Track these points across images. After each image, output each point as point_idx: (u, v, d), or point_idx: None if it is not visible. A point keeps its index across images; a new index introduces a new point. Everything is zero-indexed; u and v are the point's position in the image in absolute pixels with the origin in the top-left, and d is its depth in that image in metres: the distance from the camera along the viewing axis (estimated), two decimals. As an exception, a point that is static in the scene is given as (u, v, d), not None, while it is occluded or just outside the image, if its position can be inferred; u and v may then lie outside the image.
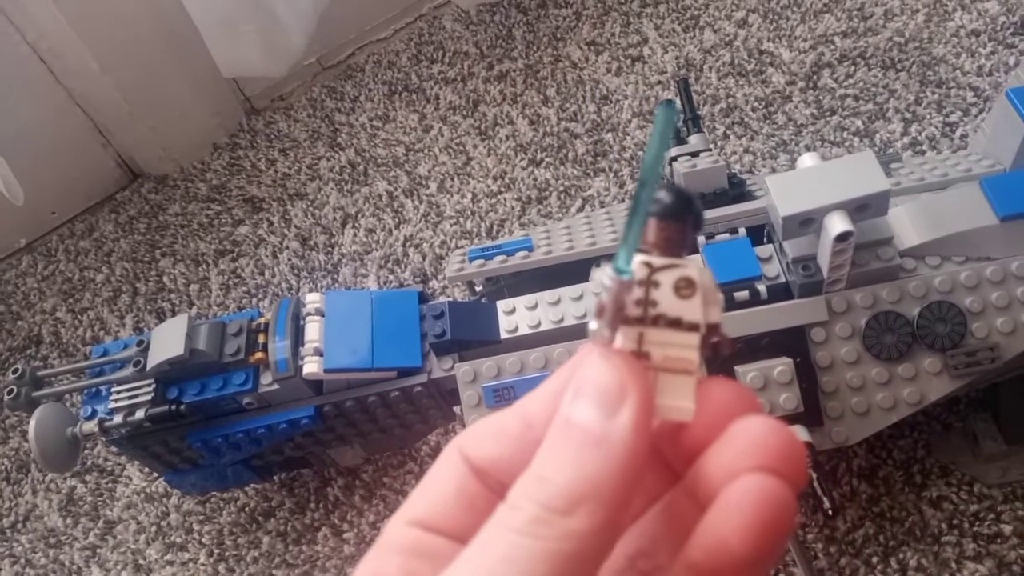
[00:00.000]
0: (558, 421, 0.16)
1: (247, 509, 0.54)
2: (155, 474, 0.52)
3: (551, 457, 0.15)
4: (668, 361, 0.18)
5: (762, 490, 0.15)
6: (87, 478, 0.58)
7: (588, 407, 0.16)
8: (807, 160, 0.42)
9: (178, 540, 0.53)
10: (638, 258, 0.18)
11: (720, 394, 0.17)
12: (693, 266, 0.18)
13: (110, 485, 0.57)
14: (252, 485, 0.53)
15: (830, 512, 0.37)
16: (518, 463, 0.16)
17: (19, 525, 0.57)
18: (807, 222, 0.39)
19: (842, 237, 0.37)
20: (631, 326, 0.19)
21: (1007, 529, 0.44)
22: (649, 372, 0.18)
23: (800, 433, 0.39)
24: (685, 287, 0.18)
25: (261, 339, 0.45)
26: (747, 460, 0.15)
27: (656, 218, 0.18)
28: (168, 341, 0.45)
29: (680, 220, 0.18)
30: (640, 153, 0.64)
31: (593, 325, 0.18)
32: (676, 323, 0.18)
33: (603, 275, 0.17)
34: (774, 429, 0.16)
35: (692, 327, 0.18)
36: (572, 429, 0.15)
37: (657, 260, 0.19)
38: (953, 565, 0.43)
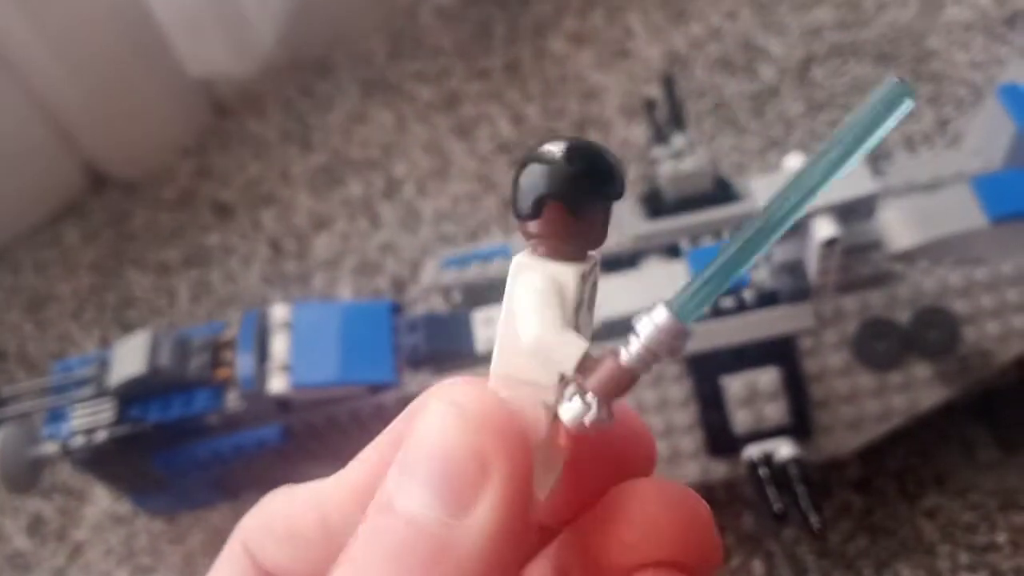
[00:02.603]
0: (373, 512, 0.11)
1: (217, 530, 0.52)
2: (122, 495, 0.51)
3: (360, 563, 0.10)
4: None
5: None
6: (54, 498, 0.56)
7: (422, 494, 0.10)
8: (792, 161, 0.41)
9: (147, 562, 0.52)
10: (572, 269, 0.14)
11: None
12: (515, 262, 0.14)
13: (77, 505, 0.55)
14: (222, 505, 0.51)
15: (817, 529, 0.36)
16: None
17: (-16, 547, 0.55)
18: (793, 227, 0.37)
19: (829, 242, 0.36)
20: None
21: (1002, 539, 0.43)
22: (540, 433, 0.13)
23: (789, 446, 0.38)
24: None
25: (227, 354, 0.43)
26: (639, 552, 0.11)
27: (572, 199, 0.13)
28: (129, 358, 0.43)
29: (596, 198, 0.14)
30: (626, 152, 0.62)
31: (590, 400, 0.13)
32: None
33: (654, 317, 0.13)
34: (669, 505, 0.12)
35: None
36: (392, 527, 0.10)
37: (585, 267, 0.14)
38: (947, 577, 0.42)
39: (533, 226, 0.14)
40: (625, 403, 0.14)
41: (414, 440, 0.11)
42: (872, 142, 0.13)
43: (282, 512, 0.13)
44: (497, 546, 0.10)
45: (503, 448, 0.11)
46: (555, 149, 0.14)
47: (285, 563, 0.13)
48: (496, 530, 0.10)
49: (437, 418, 0.11)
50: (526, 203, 0.14)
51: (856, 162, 0.13)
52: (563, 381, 0.13)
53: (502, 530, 0.10)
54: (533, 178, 0.14)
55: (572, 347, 0.13)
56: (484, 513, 0.10)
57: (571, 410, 0.13)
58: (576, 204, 0.14)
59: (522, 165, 0.14)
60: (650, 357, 0.13)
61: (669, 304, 0.13)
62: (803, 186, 0.11)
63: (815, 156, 0.12)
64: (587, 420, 0.13)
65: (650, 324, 0.13)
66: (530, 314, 0.13)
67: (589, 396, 0.13)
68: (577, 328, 0.14)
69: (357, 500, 0.12)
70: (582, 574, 0.12)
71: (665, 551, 0.12)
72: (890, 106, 0.12)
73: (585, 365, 0.13)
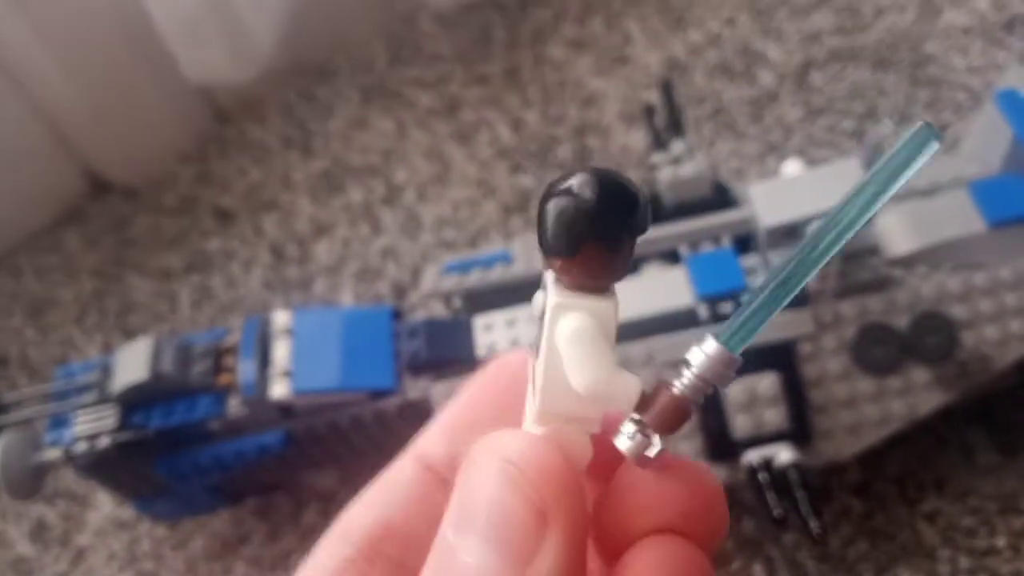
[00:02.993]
0: (437, 554, 0.11)
1: (220, 535, 0.52)
2: (125, 500, 0.51)
3: None
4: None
5: (662, 560, 0.12)
6: (57, 503, 0.56)
7: (484, 549, 0.10)
8: (790, 167, 0.41)
9: (150, 567, 0.52)
10: (609, 305, 0.14)
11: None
12: (555, 302, 0.14)
13: (80, 511, 0.55)
14: (224, 510, 0.52)
15: (817, 534, 0.36)
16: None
17: (-14, 553, 0.55)
18: (791, 232, 0.38)
19: (828, 249, 0.36)
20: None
21: (1001, 542, 0.43)
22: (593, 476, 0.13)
23: (788, 451, 0.38)
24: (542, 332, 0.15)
25: (228, 360, 0.43)
26: (645, 519, 0.12)
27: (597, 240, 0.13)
28: (132, 364, 0.43)
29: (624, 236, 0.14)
30: (625, 158, 0.62)
31: (650, 434, 0.13)
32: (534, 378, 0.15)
33: (705, 348, 0.13)
34: (677, 475, 0.12)
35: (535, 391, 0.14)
36: None
37: (616, 301, 0.15)
38: (947, 582, 0.42)
39: (567, 264, 0.14)
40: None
41: (469, 495, 0.11)
42: (902, 182, 0.13)
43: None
44: None
45: (559, 496, 0.11)
46: (586, 186, 0.14)
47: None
48: (558, 574, 0.10)
49: (490, 475, 0.11)
50: (562, 243, 0.14)
51: (887, 200, 0.13)
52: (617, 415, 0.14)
53: (566, 573, 0.10)
54: (568, 217, 0.13)
55: (630, 388, 0.13)
56: (548, 562, 0.10)
57: (633, 445, 0.13)
58: (616, 243, 0.14)
59: (550, 199, 0.14)
60: (703, 386, 0.13)
61: (718, 335, 0.13)
62: (839, 223, 0.12)
63: (849, 194, 0.12)
64: (651, 454, 0.13)
65: (702, 355, 0.13)
66: (583, 359, 0.13)
67: (649, 430, 0.13)
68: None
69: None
70: (592, 540, 0.12)
71: (670, 518, 0.12)
72: (918, 148, 0.13)
73: (642, 402, 0.14)
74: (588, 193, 0.13)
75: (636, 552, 0.12)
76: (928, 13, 0.64)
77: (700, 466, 0.13)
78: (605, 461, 0.14)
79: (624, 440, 0.13)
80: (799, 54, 0.64)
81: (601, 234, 0.13)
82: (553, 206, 0.14)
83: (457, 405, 0.16)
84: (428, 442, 0.16)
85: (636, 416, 0.14)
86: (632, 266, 0.44)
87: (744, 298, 0.14)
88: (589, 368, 0.13)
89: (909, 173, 0.12)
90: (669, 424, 0.13)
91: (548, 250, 0.14)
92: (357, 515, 0.15)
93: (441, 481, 0.15)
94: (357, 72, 0.73)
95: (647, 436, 0.13)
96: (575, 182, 0.14)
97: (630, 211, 0.14)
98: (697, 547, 0.12)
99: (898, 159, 0.12)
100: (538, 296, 0.15)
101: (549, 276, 0.15)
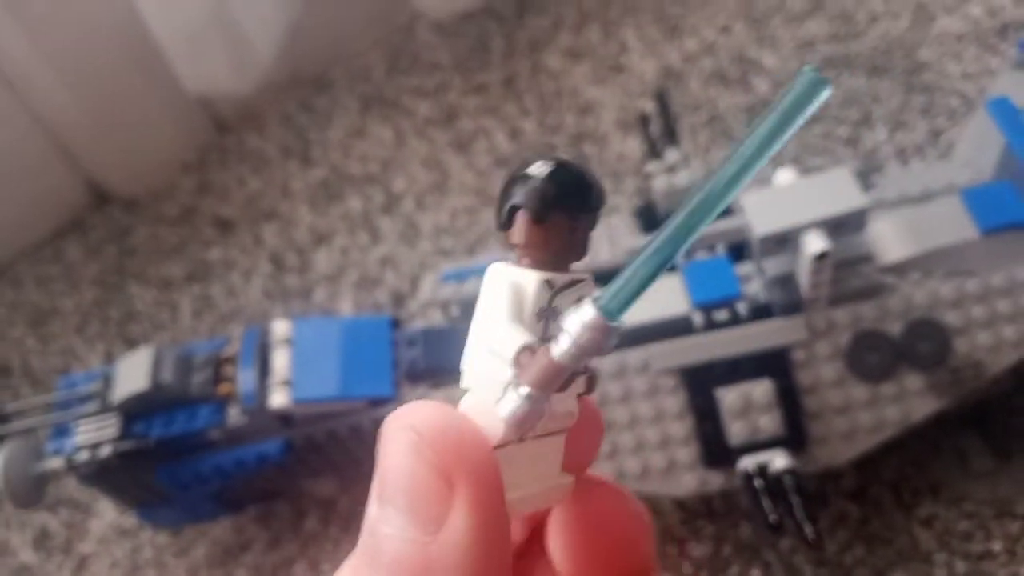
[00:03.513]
0: (364, 531, 0.11)
1: (221, 542, 0.52)
2: (127, 509, 0.51)
3: None
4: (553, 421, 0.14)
5: None
6: (59, 512, 0.56)
7: (398, 518, 0.11)
8: (784, 176, 0.41)
9: (152, 574, 0.52)
10: (535, 275, 0.15)
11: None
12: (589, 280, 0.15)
13: (82, 519, 0.56)
14: (225, 518, 0.52)
15: (811, 540, 0.36)
16: None
17: (-11, 562, 0.55)
18: (784, 241, 0.38)
19: (820, 256, 0.36)
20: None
21: (997, 547, 0.43)
22: (514, 444, 0.13)
23: (783, 457, 0.38)
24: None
25: (228, 370, 0.44)
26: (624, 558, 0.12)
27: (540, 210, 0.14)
28: (132, 374, 0.44)
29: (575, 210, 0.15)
30: (621, 166, 0.63)
31: (524, 391, 0.13)
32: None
33: (582, 314, 0.13)
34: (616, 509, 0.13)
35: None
36: (384, 550, 0.10)
37: (557, 277, 0.15)
38: (943, 586, 0.42)
39: (509, 235, 0.15)
40: (618, 489, 0.15)
41: (383, 466, 0.11)
42: (790, 132, 0.13)
43: None
44: (476, 552, 0.10)
45: (464, 461, 0.11)
46: (535, 166, 0.15)
47: None
48: (472, 538, 0.10)
49: (398, 444, 0.11)
50: (501, 213, 0.15)
51: (772, 153, 0.13)
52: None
53: (480, 537, 0.11)
54: (509, 190, 0.15)
55: (511, 340, 0.14)
56: (457, 525, 0.11)
57: (506, 404, 0.13)
58: (541, 212, 0.15)
59: (505, 180, 0.15)
60: (579, 353, 0.13)
61: (596, 301, 0.13)
62: (723, 178, 0.12)
63: (733, 149, 0.12)
64: (519, 412, 0.13)
65: (578, 322, 0.13)
66: (488, 312, 0.15)
67: (523, 389, 0.13)
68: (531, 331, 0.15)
69: None
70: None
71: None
72: (807, 96, 0.13)
73: (521, 360, 0.14)
74: (527, 170, 0.15)
75: None
76: (922, 20, 0.64)
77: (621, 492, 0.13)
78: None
79: (501, 402, 0.13)
80: (794, 61, 0.64)
81: (526, 203, 0.15)
82: (505, 184, 0.15)
83: None
84: None
85: (517, 374, 0.14)
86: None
87: (625, 262, 0.14)
88: (483, 318, 0.15)
89: (798, 122, 0.12)
90: (539, 384, 0.13)
91: (497, 224, 0.15)
92: None
93: None
94: (355, 82, 0.74)
95: (520, 395, 0.13)
96: (530, 165, 0.15)
97: (561, 184, 0.14)
98: None
99: (785, 108, 0.12)
100: (540, 295, 0.16)
101: (533, 274, 0.16)
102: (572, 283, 0.15)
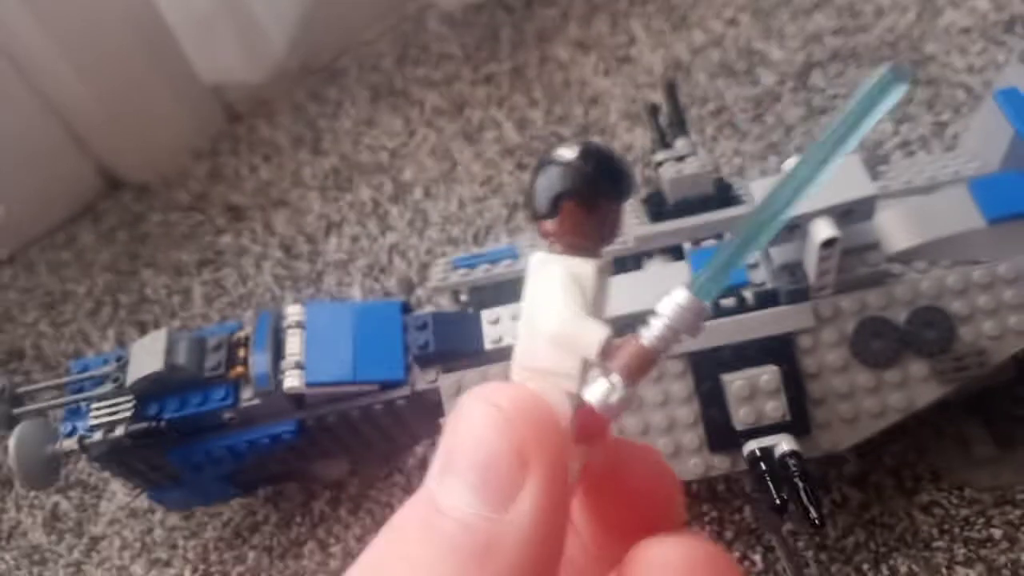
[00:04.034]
0: (418, 508, 0.11)
1: (232, 524, 0.53)
2: (138, 489, 0.52)
3: (411, 558, 0.10)
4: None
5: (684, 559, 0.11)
6: (71, 494, 0.57)
7: (465, 492, 0.10)
8: (792, 163, 0.41)
9: (163, 556, 0.53)
10: (592, 263, 0.15)
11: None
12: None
13: (94, 501, 0.56)
14: (236, 500, 0.52)
15: (817, 523, 0.36)
16: None
17: (2, 542, 0.56)
18: (792, 228, 0.38)
19: (827, 243, 0.37)
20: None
21: (997, 533, 0.43)
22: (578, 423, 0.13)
23: (788, 441, 0.39)
24: None
25: (241, 353, 0.44)
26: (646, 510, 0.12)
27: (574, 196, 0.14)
28: (147, 357, 0.44)
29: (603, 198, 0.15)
30: (629, 156, 0.63)
31: (614, 380, 0.13)
32: None
33: (676, 298, 0.14)
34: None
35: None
36: (441, 526, 0.10)
37: (604, 263, 0.16)
38: (944, 571, 0.43)
39: (551, 224, 0.15)
40: (649, 447, 0.15)
41: (455, 440, 0.11)
42: (871, 122, 0.14)
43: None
44: (541, 535, 0.10)
45: (541, 442, 0.11)
46: (568, 151, 0.15)
47: None
48: (539, 519, 0.10)
49: (476, 418, 0.11)
50: (543, 202, 0.15)
51: (856, 142, 0.14)
52: (587, 365, 0.14)
53: (545, 519, 0.10)
54: (549, 178, 0.15)
55: (595, 332, 0.14)
56: (527, 505, 0.10)
57: (596, 391, 0.14)
58: (590, 200, 0.15)
59: (537, 168, 0.15)
60: (671, 335, 0.14)
61: (689, 285, 0.14)
62: (810, 163, 0.12)
63: (821, 138, 0.13)
64: (613, 399, 0.14)
65: (672, 303, 0.14)
66: (552, 304, 0.14)
67: (614, 376, 0.14)
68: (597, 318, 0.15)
69: None
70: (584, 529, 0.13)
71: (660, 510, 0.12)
72: (884, 91, 0.13)
73: (608, 350, 0.14)
74: (567, 156, 0.15)
75: (655, 550, 0.12)
76: (928, 13, 0.64)
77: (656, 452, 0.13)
78: (588, 430, 0.14)
79: (590, 387, 0.14)
80: (801, 54, 0.64)
81: (576, 190, 0.15)
82: (538, 171, 0.15)
83: None
84: None
85: (603, 363, 0.14)
86: (635, 262, 0.45)
87: (716, 247, 0.15)
88: (555, 312, 0.14)
89: (877, 115, 0.12)
90: (633, 372, 0.14)
91: (533, 212, 0.15)
92: None
93: None
94: (366, 72, 0.74)
95: (611, 383, 0.14)
96: (559, 150, 0.15)
97: (606, 170, 0.15)
98: (718, 547, 0.12)
99: (864, 103, 0.12)
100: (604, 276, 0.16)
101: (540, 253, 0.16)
102: (606, 267, 0.16)
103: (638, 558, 0.12)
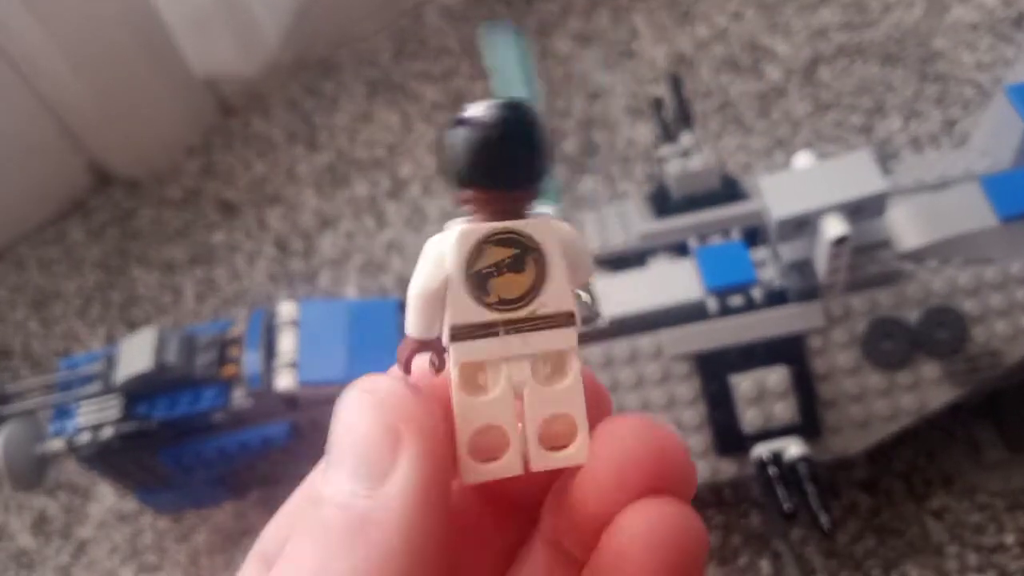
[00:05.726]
0: (305, 495, 0.12)
1: (223, 527, 0.52)
2: (127, 492, 0.51)
3: (293, 555, 0.10)
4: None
5: (663, 525, 0.11)
6: (58, 496, 0.56)
7: (343, 478, 0.10)
8: (802, 160, 0.40)
9: (152, 559, 0.52)
10: (458, 226, 0.14)
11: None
12: (527, 222, 0.13)
13: (82, 503, 0.55)
14: (228, 503, 0.51)
15: (827, 529, 0.35)
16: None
17: (-12, 545, 0.55)
18: (802, 225, 0.37)
19: (838, 241, 0.36)
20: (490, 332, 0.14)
21: (1010, 539, 0.42)
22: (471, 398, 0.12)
23: (798, 445, 0.38)
24: (512, 263, 0.13)
25: (233, 352, 0.43)
26: (619, 494, 0.11)
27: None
28: (136, 355, 0.43)
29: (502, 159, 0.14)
30: (632, 152, 0.62)
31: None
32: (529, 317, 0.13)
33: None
34: (637, 438, 0.12)
35: (553, 319, 0.13)
36: (323, 513, 0.10)
37: (479, 226, 0.14)
38: (955, 578, 0.42)
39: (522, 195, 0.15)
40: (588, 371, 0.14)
41: (334, 430, 0.11)
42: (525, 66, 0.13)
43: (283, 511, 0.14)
44: (417, 511, 0.10)
45: (414, 418, 0.11)
46: (480, 115, 0.14)
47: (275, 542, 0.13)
48: (414, 492, 0.10)
49: (351, 405, 0.11)
50: (450, 177, 0.14)
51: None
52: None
53: (420, 495, 0.10)
54: (455, 151, 0.14)
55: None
56: (400, 480, 0.10)
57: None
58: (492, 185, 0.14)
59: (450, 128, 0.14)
60: None
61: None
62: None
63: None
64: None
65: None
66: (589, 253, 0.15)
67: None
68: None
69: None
70: (572, 536, 0.12)
71: (643, 485, 0.11)
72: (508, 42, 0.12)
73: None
74: (477, 122, 0.14)
75: (625, 520, 0.11)
76: (936, 9, 0.63)
77: (651, 422, 0.13)
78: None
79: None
80: (807, 49, 0.63)
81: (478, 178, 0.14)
82: (447, 133, 0.14)
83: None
84: (270, 538, 0.14)
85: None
86: (640, 259, 0.44)
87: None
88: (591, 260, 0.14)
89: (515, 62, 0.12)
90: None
91: (519, 180, 0.14)
92: (282, 527, 0.14)
93: None
94: (362, 66, 0.73)
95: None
96: (472, 112, 0.14)
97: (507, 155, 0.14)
98: (686, 504, 0.12)
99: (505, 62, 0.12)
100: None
101: (458, 222, 0.15)
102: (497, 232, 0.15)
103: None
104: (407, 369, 0.13)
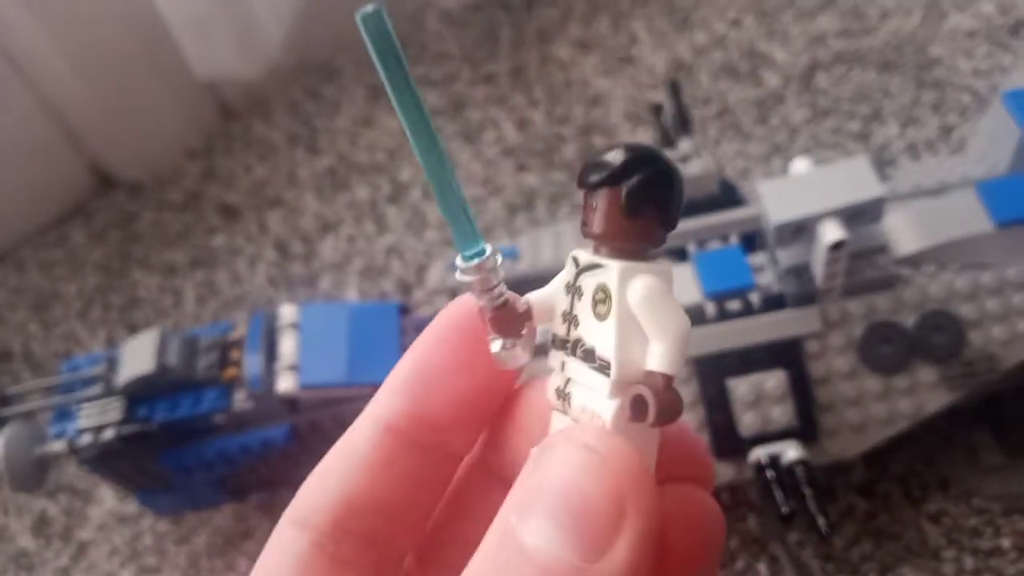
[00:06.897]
0: (496, 538, 0.10)
1: (223, 530, 0.52)
2: (128, 494, 0.51)
3: None
4: (584, 415, 0.13)
5: (685, 503, 0.12)
6: (59, 497, 0.56)
7: (556, 535, 0.10)
8: (800, 165, 0.41)
9: (152, 562, 0.52)
10: (573, 251, 0.14)
11: None
12: (617, 268, 0.13)
13: (82, 505, 0.55)
14: (228, 505, 0.51)
15: (825, 532, 0.36)
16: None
17: (-13, 547, 0.55)
18: (800, 230, 0.38)
19: (836, 246, 0.36)
20: (557, 349, 0.14)
21: (1006, 543, 0.43)
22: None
23: (796, 448, 0.38)
24: (601, 300, 0.13)
25: (234, 354, 0.43)
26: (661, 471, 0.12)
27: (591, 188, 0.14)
28: (138, 357, 0.43)
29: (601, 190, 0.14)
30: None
31: (495, 347, 0.14)
32: (590, 355, 0.13)
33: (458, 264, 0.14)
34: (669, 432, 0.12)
35: (603, 366, 0.13)
36: (521, 565, 0.10)
37: (585, 256, 0.14)
38: (952, 582, 0.42)
39: (628, 226, 0.14)
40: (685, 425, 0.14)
41: (543, 478, 0.10)
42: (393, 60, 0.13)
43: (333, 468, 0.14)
44: None
45: (640, 491, 0.10)
46: (656, 157, 0.14)
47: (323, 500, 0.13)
48: (631, 573, 0.10)
49: (570, 458, 0.10)
50: (637, 203, 0.15)
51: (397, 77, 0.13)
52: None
53: (634, 573, 0.10)
54: (651, 184, 0.14)
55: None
56: (620, 557, 0.10)
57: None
58: (674, 211, 0.15)
59: (638, 167, 0.14)
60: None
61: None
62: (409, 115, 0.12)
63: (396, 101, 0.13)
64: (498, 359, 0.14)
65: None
66: (673, 311, 0.13)
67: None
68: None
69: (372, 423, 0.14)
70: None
71: (680, 469, 0.12)
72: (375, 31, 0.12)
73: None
74: (662, 163, 0.14)
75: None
76: (933, 16, 0.64)
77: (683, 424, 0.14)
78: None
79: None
80: (805, 56, 0.64)
81: (665, 198, 0.14)
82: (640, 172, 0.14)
83: (412, 359, 0.15)
84: (387, 402, 0.15)
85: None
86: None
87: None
88: (680, 317, 0.13)
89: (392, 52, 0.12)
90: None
91: (628, 210, 0.14)
92: (316, 493, 0.14)
93: (407, 442, 0.14)
94: (363, 70, 0.73)
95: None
96: (630, 150, 0.14)
97: (676, 184, 0.14)
98: (707, 490, 0.12)
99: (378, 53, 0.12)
100: (567, 269, 0.15)
101: (580, 253, 0.15)
102: (594, 265, 0.15)
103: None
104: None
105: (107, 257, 0.67)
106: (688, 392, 0.39)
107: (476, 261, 0.14)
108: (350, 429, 0.15)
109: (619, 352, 0.13)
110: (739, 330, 0.39)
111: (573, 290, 0.15)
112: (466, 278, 0.14)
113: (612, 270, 0.13)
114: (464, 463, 0.15)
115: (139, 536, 0.53)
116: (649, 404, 0.12)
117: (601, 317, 0.13)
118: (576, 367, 0.14)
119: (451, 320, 0.15)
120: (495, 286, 0.14)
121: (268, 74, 0.70)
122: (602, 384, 0.13)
